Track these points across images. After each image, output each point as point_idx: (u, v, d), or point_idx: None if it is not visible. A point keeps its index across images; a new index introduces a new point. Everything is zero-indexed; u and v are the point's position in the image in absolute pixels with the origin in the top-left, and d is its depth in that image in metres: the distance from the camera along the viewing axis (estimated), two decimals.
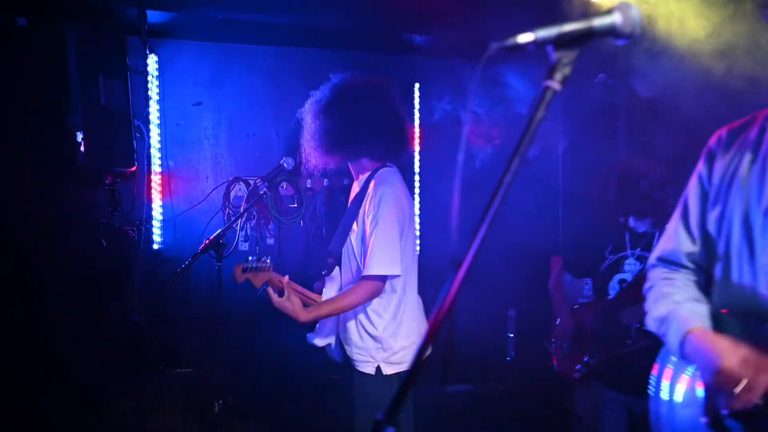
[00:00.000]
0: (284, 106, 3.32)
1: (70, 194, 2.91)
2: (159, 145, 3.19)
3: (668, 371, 1.38)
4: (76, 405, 2.67)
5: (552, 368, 2.79)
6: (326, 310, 2.18)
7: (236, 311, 2.96)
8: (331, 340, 2.35)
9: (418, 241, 3.66)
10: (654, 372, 1.43)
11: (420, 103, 3.70)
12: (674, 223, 1.43)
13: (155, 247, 3.22)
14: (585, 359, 2.48)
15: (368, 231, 2.19)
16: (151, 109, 3.15)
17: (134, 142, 2.98)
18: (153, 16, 3.00)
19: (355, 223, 2.28)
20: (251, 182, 3.26)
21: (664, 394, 1.38)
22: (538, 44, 0.78)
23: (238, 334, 3.17)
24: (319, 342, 2.35)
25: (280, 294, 2.12)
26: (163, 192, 3.23)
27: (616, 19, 0.78)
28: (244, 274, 2.22)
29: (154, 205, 3.19)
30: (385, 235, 2.13)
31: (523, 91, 3.60)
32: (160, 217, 3.22)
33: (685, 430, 1.31)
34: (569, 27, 0.78)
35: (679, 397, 1.33)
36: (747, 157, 1.28)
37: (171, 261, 3.14)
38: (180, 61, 3.28)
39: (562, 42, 0.78)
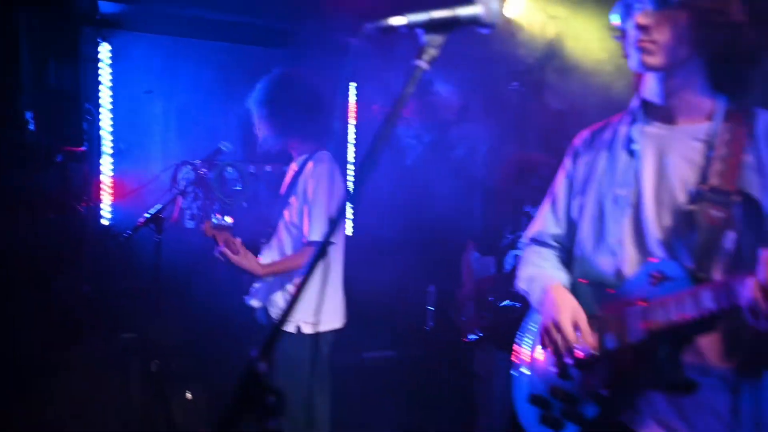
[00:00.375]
0: (232, 98, 3.47)
1: (21, 171, 2.96)
2: (110, 128, 3.28)
3: (530, 329, 1.51)
4: (25, 372, 2.76)
5: (461, 336, 3.14)
6: (281, 266, 2.39)
7: (176, 280, 3.09)
8: (263, 303, 2.51)
9: (351, 225, 3.96)
10: (519, 331, 1.55)
11: (358, 100, 3.93)
12: (544, 209, 1.54)
13: (104, 222, 3.33)
14: (483, 324, 2.83)
15: (309, 202, 2.38)
16: (102, 94, 3.24)
17: (84, 123, 3.07)
18: (106, 6, 3.10)
19: (293, 197, 2.45)
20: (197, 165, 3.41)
21: (523, 340, 1.51)
22: (409, 27, 0.84)
23: (177, 301, 3.28)
24: (255, 303, 2.51)
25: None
26: (113, 172, 3.33)
27: (478, 10, 0.84)
28: (212, 229, 2.37)
29: (103, 185, 3.30)
30: (325, 205, 2.34)
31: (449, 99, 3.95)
32: (110, 196, 3.33)
33: (539, 372, 1.40)
34: (437, 14, 0.84)
35: (539, 354, 1.42)
36: (603, 154, 1.39)
37: (119, 236, 3.26)
38: (133, 51, 3.36)
39: (430, 27, 0.84)
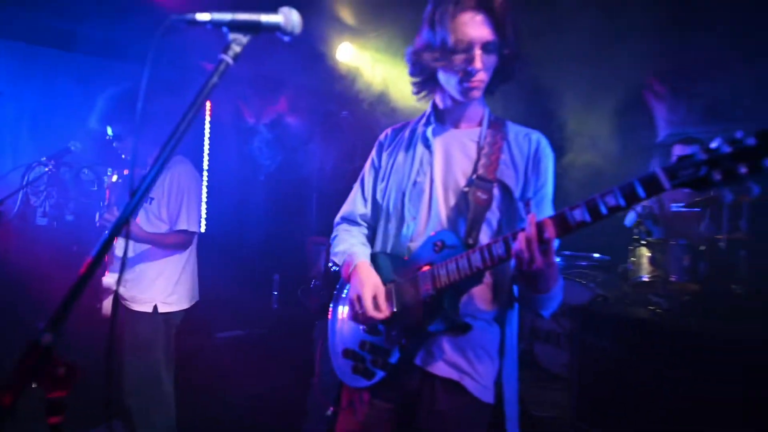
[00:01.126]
0: (84, 107, 3.43)
1: None
2: None
3: (343, 296, 1.58)
4: None
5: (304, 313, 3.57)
6: (156, 237, 2.42)
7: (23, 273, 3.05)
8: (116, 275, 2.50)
9: (204, 223, 4.21)
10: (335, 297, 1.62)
11: (211, 117, 4.23)
12: (353, 192, 1.62)
13: None
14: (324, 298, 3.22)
15: (174, 197, 2.44)
16: None
17: None
18: None
19: (155, 195, 2.49)
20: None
21: (338, 308, 1.57)
22: (213, 24, 0.84)
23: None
24: (107, 281, 2.50)
25: None
26: None
27: (279, 19, 0.87)
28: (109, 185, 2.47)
29: None
30: (191, 198, 2.47)
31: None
32: None
33: (350, 331, 1.46)
34: (241, 16, 0.85)
35: (347, 310, 1.48)
36: (402, 148, 1.51)
37: None
38: None
39: (234, 26, 0.85)
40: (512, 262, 1.16)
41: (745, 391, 2.13)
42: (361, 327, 1.41)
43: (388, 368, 1.32)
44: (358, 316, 1.34)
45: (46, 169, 2.66)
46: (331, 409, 1.50)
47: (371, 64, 4.44)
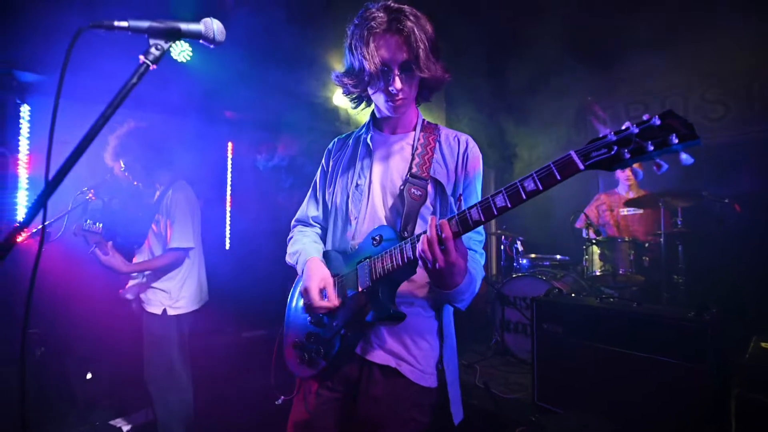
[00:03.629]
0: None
1: None
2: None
3: (294, 291, 1.44)
4: None
5: None
6: (143, 266, 2.36)
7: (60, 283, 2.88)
8: (132, 290, 2.46)
9: (228, 233, 4.14)
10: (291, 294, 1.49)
11: (233, 155, 4.26)
12: (307, 197, 1.50)
13: None
14: None
15: (171, 217, 2.36)
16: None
17: None
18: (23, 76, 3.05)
19: (159, 215, 2.44)
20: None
21: (292, 303, 1.42)
22: (131, 30, 0.75)
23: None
24: (129, 296, 2.46)
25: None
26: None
27: (201, 28, 0.80)
28: (81, 232, 2.27)
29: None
30: (182, 221, 2.37)
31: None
32: None
33: (299, 324, 1.33)
34: (159, 24, 0.77)
35: (298, 310, 1.36)
36: (346, 155, 1.38)
37: None
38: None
39: (153, 33, 0.76)
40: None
41: (686, 366, 1.95)
42: (307, 319, 1.28)
43: (329, 358, 1.20)
44: (307, 307, 1.23)
45: (87, 197, 2.58)
46: (282, 398, 1.35)
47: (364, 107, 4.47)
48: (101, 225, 2.32)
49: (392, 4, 1.16)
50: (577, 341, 2.33)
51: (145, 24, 0.76)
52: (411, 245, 1.07)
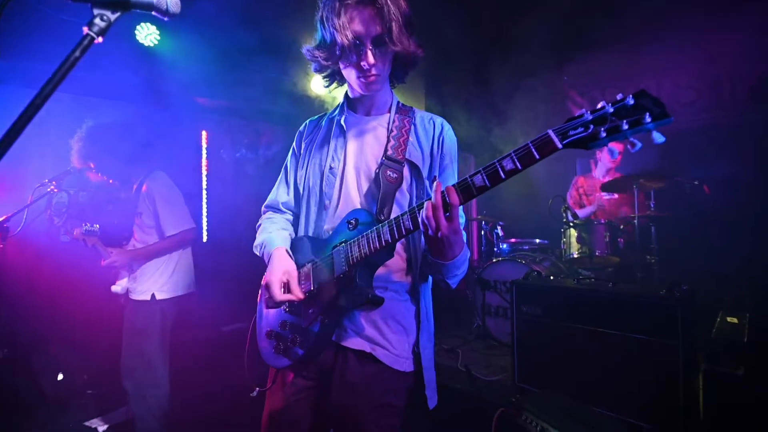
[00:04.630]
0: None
1: None
2: None
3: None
4: None
5: None
6: (144, 251, 2.34)
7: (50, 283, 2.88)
8: (123, 284, 2.42)
9: (205, 225, 4.03)
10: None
11: (207, 144, 4.13)
12: (278, 182, 1.44)
13: None
14: None
15: (157, 207, 2.33)
16: None
17: None
18: None
19: (142, 206, 2.40)
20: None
21: (264, 295, 1.31)
22: None
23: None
24: (118, 289, 2.42)
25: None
26: None
27: None
28: (82, 234, 2.32)
29: None
30: (171, 206, 2.37)
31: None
32: None
33: (273, 317, 1.28)
34: None
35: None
36: (319, 137, 1.33)
37: None
38: None
39: (97, 2, 0.71)
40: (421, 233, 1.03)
41: (659, 342, 2.00)
42: (283, 308, 1.24)
43: (306, 346, 1.16)
44: (267, 301, 1.17)
45: (48, 189, 2.49)
46: (256, 389, 1.31)
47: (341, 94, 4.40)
48: (98, 226, 2.33)
49: None
50: (556, 322, 2.37)
51: None
52: (389, 227, 1.04)
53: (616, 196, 3.59)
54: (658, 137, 0.79)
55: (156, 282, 2.39)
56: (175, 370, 2.48)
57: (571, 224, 3.25)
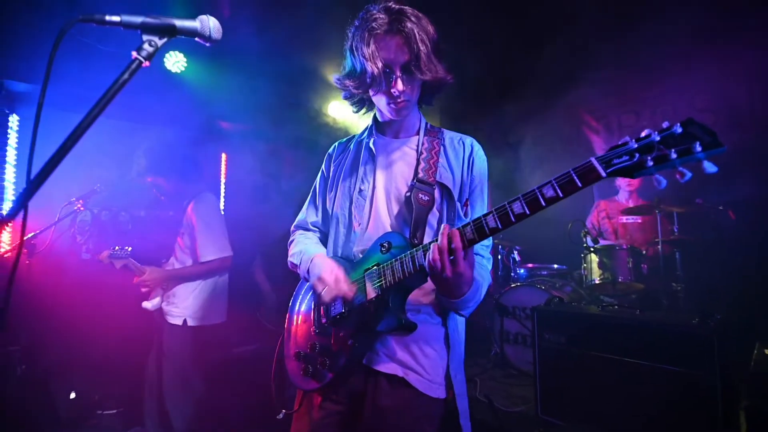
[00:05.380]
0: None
1: None
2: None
3: (297, 299, 1.38)
4: None
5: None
6: (179, 273, 2.33)
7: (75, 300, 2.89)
8: (155, 302, 2.38)
9: None
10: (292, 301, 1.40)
11: (227, 166, 4.21)
12: (306, 203, 1.45)
13: None
14: None
15: (197, 230, 2.33)
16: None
17: None
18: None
19: (184, 227, 2.41)
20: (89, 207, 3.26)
21: (294, 312, 1.35)
22: (123, 25, 0.72)
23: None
24: (150, 306, 2.36)
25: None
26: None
27: (197, 24, 0.78)
28: (108, 258, 2.32)
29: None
30: (209, 233, 2.35)
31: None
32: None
33: (303, 334, 1.27)
34: (152, 20, 0.74)
35: (301, 319, 1.30)
36: (348, 159, 1.34)
37: None
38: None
39: (147, 29, 0.74)
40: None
41: (693, 374, 1.90)
42: (312, 329, 1.22)
43: (336, 369, 1.13)
44: (323, 295, 1.14)
45: (75, 208, 2.57)
46: (283, 412, 1.27)
47: (359, 118, 4.48)
48: (130, 248, 2.32)
49: (393, 6, 1.13)
50: (580, 351, 2.28)
51: (138, 19, 0.73)
52: (423, 252, 1.02)
53: (639, 219, 3.52)
54: (710, 167, 0.76)
55: (188, 307, 2.35)
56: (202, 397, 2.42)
57: (592, 249, 3.18)
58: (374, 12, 1.14)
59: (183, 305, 2.34)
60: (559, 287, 3.35)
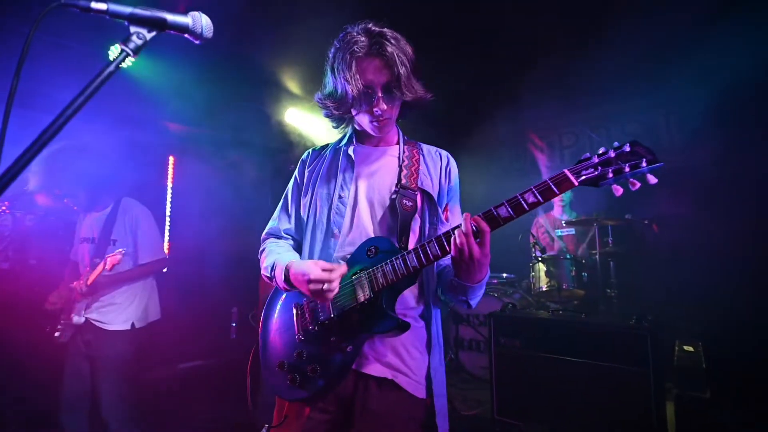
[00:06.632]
0: None
1: None
2: None
3: (272, 308, 1.32)
4: None
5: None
6: (116, 278, 2.23)
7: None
8: (82, 315, 2.22)
9: (167, 246, 3.81)
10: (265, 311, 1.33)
11: (174, 168, 3.97)
12: (278, 209, 1.42)
13: None
14: None
15: (134, 235, 2.30)
16: None
17: None
18: None
19: (116, 233, 2.31)
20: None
21: (270, 321, 1.28)
22: (110, 14, 0.68)
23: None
24: (78, 320, 2.21)
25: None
26: None
27: (188, 21, 0.76)
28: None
29: None
30: (145, 233, 2.33)
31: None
32: None
33: (285, 342, 1.21)
34: (142, 11, 0.71)
35: (282, 327, 1.25)
36: (323, 166, 1.35)
37: None
38: None
39: (135, 20, 0.71)
40: (442, 260, 1.12)
41: (631, 369, 2.11)
42: (297, 337, 1.18)
43: (328, 375, 1.11)
44: (319, 291, 1.06)
45: (18, 215, 2.35)
46: (266, 426, 1.23)
47: (313, 125, 4.50)
48: (123, 250, 2.21)
49: (373, 28, 1.17)
50: (533, 354, 2.44)
51: (127, 10, 0.70)
52: (415, 254, 1.08)
53: (572, 231, 3.85)
54: (652, 178, 0.96)
55: (136, 310, 2.30)
56: (147, 411, 2.33)
57: (540, 259, 3.42)
58: (354, 34, 1.17)
59: (129, 310, 2.29)
60: (509, 294, 3.55)
